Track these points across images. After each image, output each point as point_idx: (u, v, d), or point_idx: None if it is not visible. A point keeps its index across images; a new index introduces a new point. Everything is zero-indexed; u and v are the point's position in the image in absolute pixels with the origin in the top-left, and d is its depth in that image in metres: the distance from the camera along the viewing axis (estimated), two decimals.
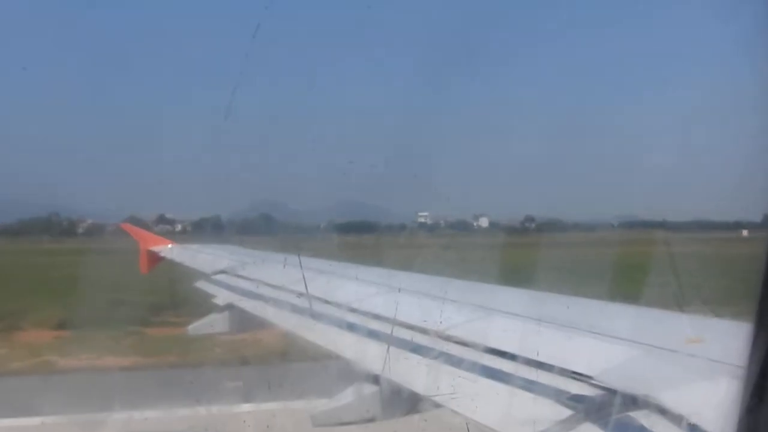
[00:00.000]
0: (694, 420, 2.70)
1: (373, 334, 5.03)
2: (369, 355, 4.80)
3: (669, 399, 2.89)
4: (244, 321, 8.27)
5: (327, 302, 6.21)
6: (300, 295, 6.71)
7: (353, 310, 5.71)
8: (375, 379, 4.51)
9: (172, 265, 13.57)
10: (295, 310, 6.52)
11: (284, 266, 8.87)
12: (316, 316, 6.02)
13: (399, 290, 5.73)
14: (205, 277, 10.19)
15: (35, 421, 12.97)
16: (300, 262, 6.96)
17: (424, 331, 4.68)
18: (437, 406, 3.92)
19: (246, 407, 13.06)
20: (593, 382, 3.32)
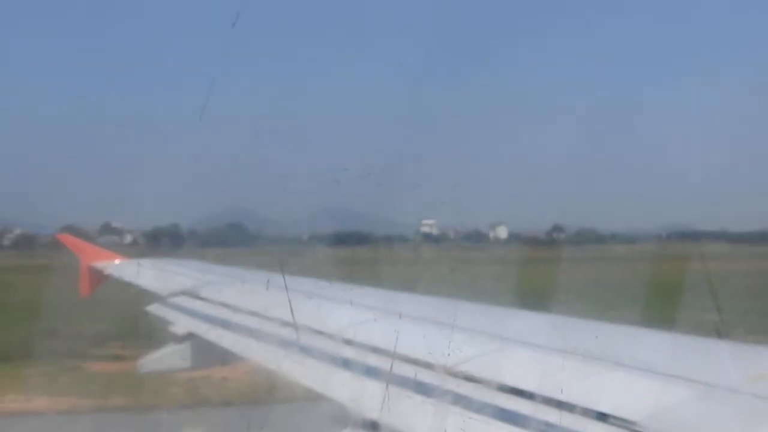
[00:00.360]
0: None
1: (368, 371, 5.07)
2: (364, 395, 4.85)
3: None
4: (208, 354, 8.29)
5: (312, 331, 6.26)
6: (279, 322, 6.75)
7: (345, 341, 5.76)
8: (371, 425, 4.56)
9: (119, 284, 13.56)
10: (273, 340, 6.56)
11: (259, 286, 8.91)
12: (298, 348, 6.06)
13: (399, 316, 5.79)
14: (160, 299, 10.21)
15: None
16: (284, 282, 7.01)
17: (429, 366, 4.73)
18: None
19: None
20: (635, 428, 3.36)
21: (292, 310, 6.42)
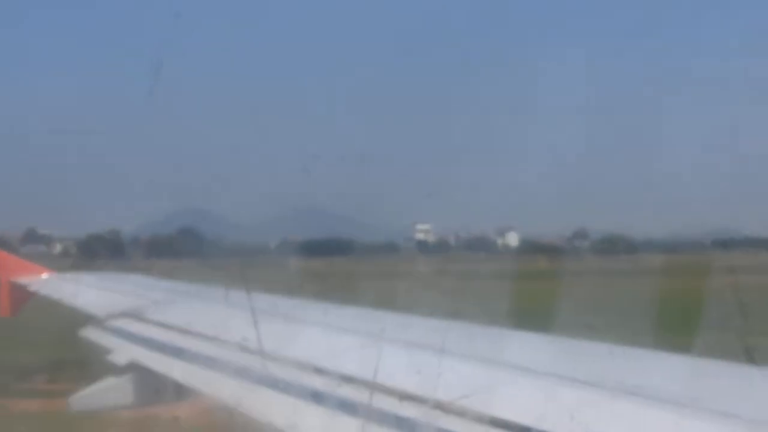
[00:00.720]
0: None
1: (344, 406, 5.15)
2: None
3: None
4: (155, 389, 8.33)
5: (281, 359, 6.33)
6: (241, 349, 6.81)
7: (320, 372, 5.84)
8: None
9: (47, 303, 13.54)
10: (235, 371, 6.62)
11: (218, 306, 8.94)
12: (265, 380, 6.13)
13: (385, 342, 5.87)
14: (97, 322, 10.23)
15: None
16: (248, 300, 7.06)
17: (415, 399, 4.82)
18: None
19: None
20: None
21: (257, 334, 6.48)
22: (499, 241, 48.36)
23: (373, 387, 4.98)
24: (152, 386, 8.32)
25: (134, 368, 8.51)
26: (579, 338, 6.16)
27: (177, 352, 7.88)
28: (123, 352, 8.83)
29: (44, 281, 14.43)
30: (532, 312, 7.39)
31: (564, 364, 4.99)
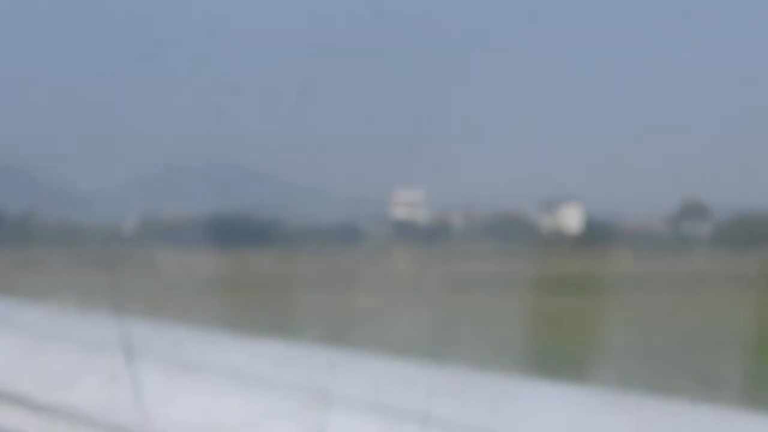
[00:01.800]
0: None
1: None
2: None
3: None
4: None
5: None
6: (88, 420, 7.05)
7: None
8: None
9: None
10: None
11: (42, 339, 9.18)
12: None
13: (331, 400, 6.14)
14: None
15: None
16: (93, 326, 7.27)
17: None
18: None
19: None
20: None
21: (119, 391, 6.72)
22: (547, 222, 48.50)
23: None
24: None
25: None
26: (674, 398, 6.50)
27: None
28: None
29: None
30: (591, 352, 7.74)
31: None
